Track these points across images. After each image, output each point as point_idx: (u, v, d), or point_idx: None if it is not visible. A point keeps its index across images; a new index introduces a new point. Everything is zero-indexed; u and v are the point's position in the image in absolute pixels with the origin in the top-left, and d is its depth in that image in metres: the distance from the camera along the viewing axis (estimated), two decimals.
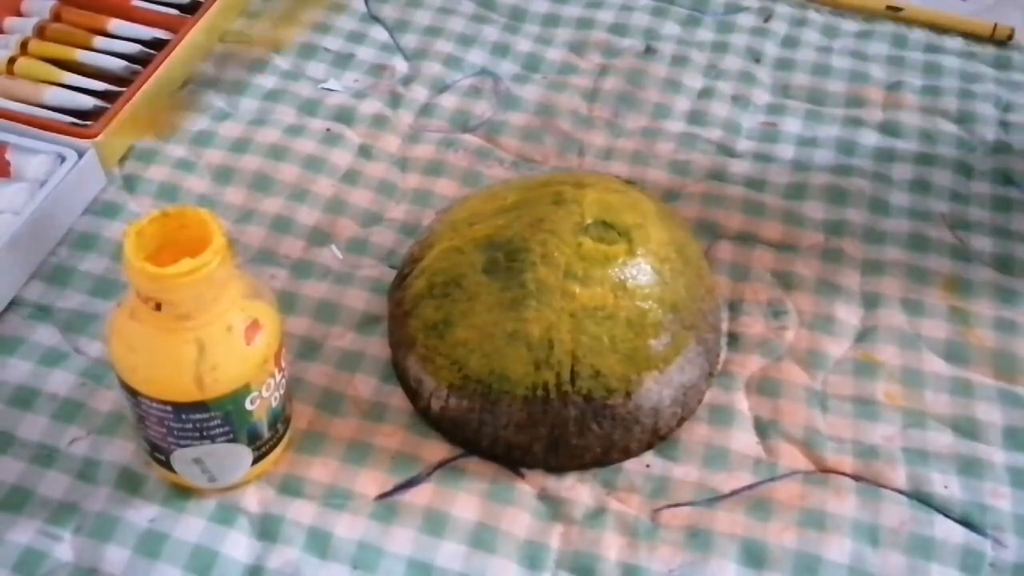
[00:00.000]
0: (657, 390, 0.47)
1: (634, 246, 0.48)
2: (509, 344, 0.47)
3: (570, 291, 0.47)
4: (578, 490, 0.47)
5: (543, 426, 0.47)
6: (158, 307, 0.39)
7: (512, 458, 0.48)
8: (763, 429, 0.50)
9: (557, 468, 0.48)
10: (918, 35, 0.71)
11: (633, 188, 0.54)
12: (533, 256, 0.48)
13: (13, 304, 0.53)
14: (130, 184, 0.59)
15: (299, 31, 0.68)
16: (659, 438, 0.49)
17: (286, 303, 0.54)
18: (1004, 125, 0.65)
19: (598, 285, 0.47)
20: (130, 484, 0.46)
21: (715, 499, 0.47)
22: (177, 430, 0.42)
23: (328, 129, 0.62)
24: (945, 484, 0.48)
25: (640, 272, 0.48)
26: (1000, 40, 0.71)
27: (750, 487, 0.48)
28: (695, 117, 0.64)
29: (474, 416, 0.47)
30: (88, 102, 0.60)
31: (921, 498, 0.47)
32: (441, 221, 0.54)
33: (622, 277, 0.47)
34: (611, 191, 0.51)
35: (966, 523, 0.47)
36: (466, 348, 0.47)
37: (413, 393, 0.49)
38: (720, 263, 0.56)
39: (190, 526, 0.45)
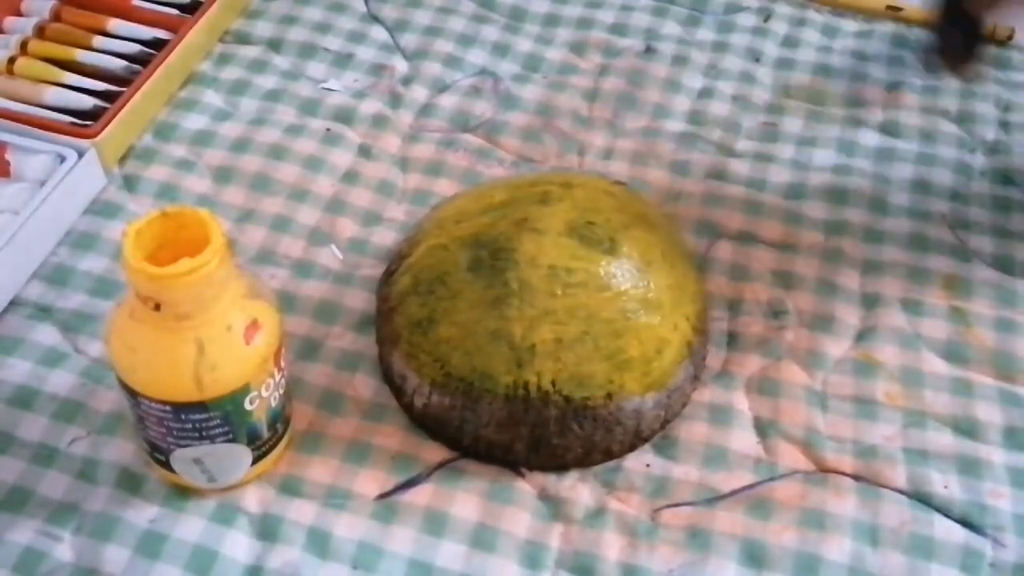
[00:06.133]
0: (639, 392, 0.47)
1: (618, 247, 0.48)
2: (491, 342, 0.47)
3: (553, 291, 0.47)
4: (578, 490, 0.47)
5: (524, 425, 0.47)
6: (157, 307, 0.39)
7: (493, 456, 0.48)
8: (763, 429, 0.50)
9: (539, 468, 0.48)
10: (918, 35, 0.71)
11: (623, 189, 0.54)
12: (517, 255, 0.48)
13: (13, 304, 0.53)
14: (130, 184, 0.59)
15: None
16: (642, 440, 0.49)
17: (286, 303, 0.54)
18: (1004, 125, 0.65)
19: (581, 286, 0.47)
20: (130, 484, 0.46)
21: (715, 499, 0.47)
22: (177, 430, 0.42)
23: (328, 129, 0.62)
24: (945, 484, 0.48)
25: (624, 274, 0.48)
26: (1000, 40, 0.71)
27: (750, 487, 0.48)
28: (695, 117, 0.64)
29: (456, 414, 0.47)
30: (88, 102, 0.60)
31: (921, 498, 0.47)
32: (430, 219, 0.54)
33: (605, 278, 0.47)
34: (599, 192, 0.51)
35: (966, 523, 0.47)
36: (449, 345, 0.47)
37: (398, 390, 0.49)
38: (720, 263, 0.56)
39: (190, 526, 0.45)
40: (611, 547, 0.46)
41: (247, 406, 0.42)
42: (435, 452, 0.48)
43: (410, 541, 0.45)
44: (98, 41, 0.64)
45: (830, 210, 0.59)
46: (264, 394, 0.43)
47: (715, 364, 0.52)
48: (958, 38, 0.54)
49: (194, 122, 0.62)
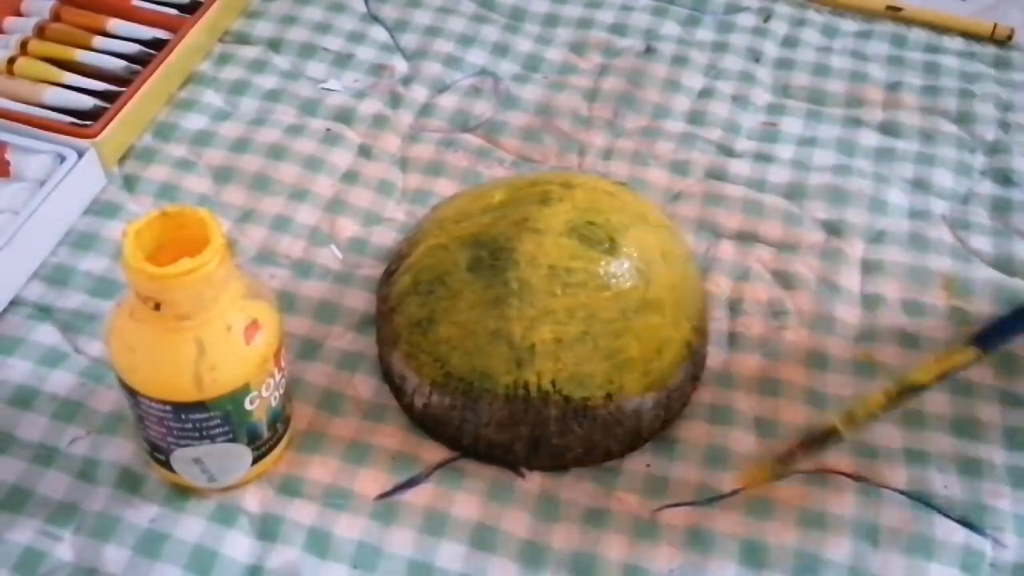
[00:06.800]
0: (639, 392, 0.47)
1: (618, 247, 0.48)
2: (491, 342, 0.47)
3: (553, 291, 0.47)
4: (578, 490, 0.47)
5: (524, 425, 0.47)
6: (157, 307, 0.39)
7: (493, 456, 0.48)
8: (763, 429, 0.50)
9: (539, 468, 0.48)
10: (918, 35, 0.71)
11: (623, 189, 0.54)
12: (517, 255, 0.48)
13: (13, 304, 0.53)
14: (130, 184, 0.59)
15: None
16: (641, 440, 0.49)
17: (286, 303, 0.54)
18: (1004, 125, 0.65)
19: (581, 286, 0.47)
20: (130, 484, 0.46)
21: (715, 499, 0.47)
22: (177, 430, 0.42)
23: (328, 129, 0.62)
24: (945, 484, 0.48)
25: (624, 274, 0.48)
26: (1000, 40, 0.71)
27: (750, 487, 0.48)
28: (695, 117, 0.64)
29: (456, 413, 0.47)
30: (88, 102, 0.60)
31: (921, 498, 0.47)
32: (430, 219, 0.54)
33: (605, 278, 0.47)
34: (599, 192, 0.51)
35: (966, 523, 0.47)
36: (449, 345, 0.47)
37: (397, 390, 0.49)
38: (720, 263, 0.56)
39: (190, 526, 0.45)
40: (611, 547, 0.46)
41: (247, 406, 0.43)
42: (435, 452, 0.48)
43: (410, 541, 0.45)
44: (98, 41, 0.64)
45: (830, 210, 0.59)
46: (264, 394, 0.43)
47: (715, 364, 0.52)
48: None
49: (194, 122, 0.62)
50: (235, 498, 0.46)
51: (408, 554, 0.45)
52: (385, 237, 0.57)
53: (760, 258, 0.57)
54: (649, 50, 0.69)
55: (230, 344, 0.41)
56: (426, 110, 0.64)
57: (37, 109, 0.60)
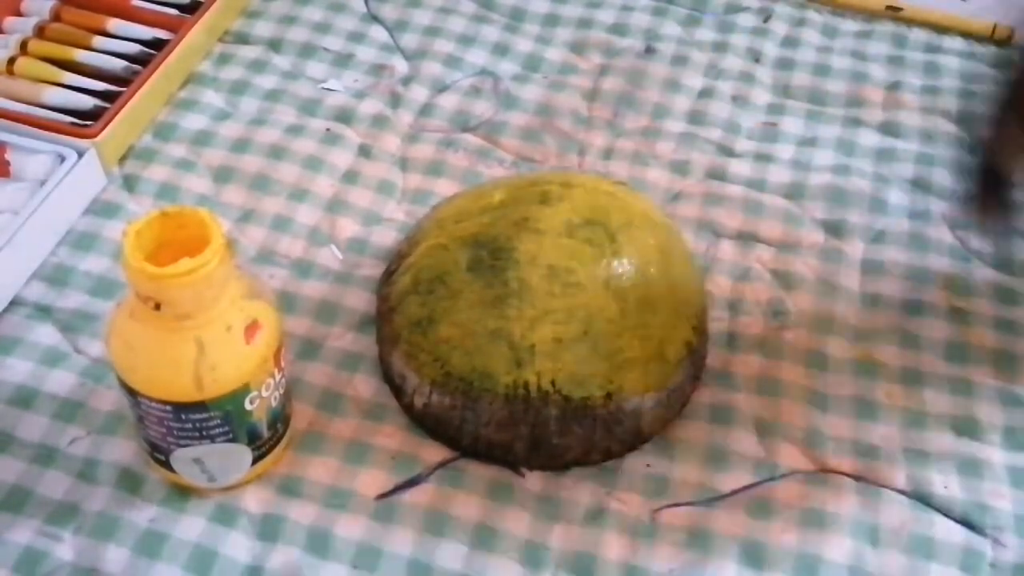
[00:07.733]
0: (639, 392, 0.47)
1: (619, 247, 0.48)
2: (491, 342, 0.47)
3: (552, 291, 0.47)
4: (578, 490, 0.47)
5: (524, 425, 0.47)
6: (157, 307, 0.39)
7: (493, 456, 0.48)
8: (763, 429, 0.50)
9: (539, 468, 0.48)
10: (918, 35, 0.71)
11: (623, 189, 0.54)
12: (517, 255, 0.48)
13: (13, 304, 0.53)
14: (130, 184, 0.59)
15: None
16: (641, 439, 0.49)
17: (286, 303, 0.54)
18: None
19: (581, 286, 0.47)
20: (130, 484, 0.46)
21: (715, 499, 0.47)
22: (177, 430, 0.42)
23: (328, 129, 0.62)
24: (945, 484, 0.48)
25: (624, 273, 0.48)
26: (1000, 40, 0.71)
27: (750, 487, 0.48)
28: (695, 117, 0.64)
29: (456, 413, 0.47)
30: (88, 102, 0.60)
31: (921, 498, 0.47)
32: (430, 219, 0.54)
33: (605, 278, 0.47)
34: (599, 191, 0.51)
35: (966, 523, 0.47)
36: (449, 345, 0.47)
37: (397, 389, 0.50)
38: (720, 263, 0.56)
39: (190, 526, 0.45)
40: (611, 547, 0.46)
41: (247, 406, 0.43)
42: (435, 452, 0.48)
43: (410, 541, 0.45)
44: (98, 41, 0.64)
45: (830, 210, 0.59)
46: (264, 394, 0.43)
47: (715, 364, 0.52)
48: (996, 210, 0.49)
49: (194, 122, 0.62)
50: (235, 498, 0.46)
51: (408, 554, 0.45)
52: (385, 237, 0.57)
53: (760, 258, 0.57)
54: (649, 50, 0.69)
55: (230, 344, 0.41)
56: (426, 110, 0.64)
57: (37, 109, 0.60)
